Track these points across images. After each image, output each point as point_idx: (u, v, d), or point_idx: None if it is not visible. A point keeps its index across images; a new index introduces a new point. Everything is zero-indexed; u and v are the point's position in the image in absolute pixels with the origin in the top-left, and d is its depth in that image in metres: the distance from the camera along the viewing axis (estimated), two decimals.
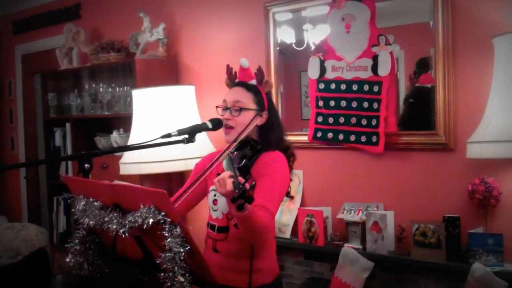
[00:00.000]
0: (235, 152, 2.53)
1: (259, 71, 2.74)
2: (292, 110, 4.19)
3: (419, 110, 3.54)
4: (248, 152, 2.52)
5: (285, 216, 3.93)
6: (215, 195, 2.69)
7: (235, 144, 2.52)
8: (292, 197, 3.82)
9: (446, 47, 3.27)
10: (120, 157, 4.27)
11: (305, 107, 4.08)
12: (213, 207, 2.71)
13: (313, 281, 3.71)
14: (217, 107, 2.74)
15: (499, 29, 3.01)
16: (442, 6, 3.26)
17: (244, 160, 2.42)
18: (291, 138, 3.01)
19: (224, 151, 2.49)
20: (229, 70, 2.82)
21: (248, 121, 2.63)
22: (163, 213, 1.97)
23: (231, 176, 2.16)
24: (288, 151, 2.72)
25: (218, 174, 2.48)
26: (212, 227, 2.71)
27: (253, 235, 2.40)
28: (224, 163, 2.34)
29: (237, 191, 2.09)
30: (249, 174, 2.42)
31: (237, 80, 2.79)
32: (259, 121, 2.67)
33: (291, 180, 2.73)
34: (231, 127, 2.65)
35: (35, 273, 4.10)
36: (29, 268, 4.08)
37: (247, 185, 2.12)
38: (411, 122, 3.54)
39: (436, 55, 3.30)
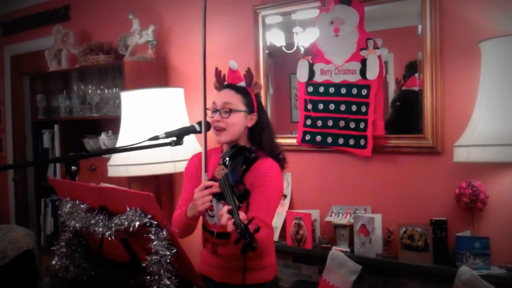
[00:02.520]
0: (228, 161, 2.51)
1: (248, 73, 2.74)
2: (282, 112, 4.20)
3: (406, 114, 3.56)
4: (240, 166, 2.50)
5: (274, 219, 3.91)
6: (210, 201, 2.67)
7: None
8: (284, 196, 3.81)
9: (434, 51, 3.28)
10: (108, 159, 4.26)
11: (295, 110, 4.08)
12: (209, 212, 2.69)
13: (301, 284, 3.71)
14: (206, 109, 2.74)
15: (486, 33, 3.03)
16: (430, 11, 3.28)
17: (244, 189, 2.39)
18: (280, 140, 3.00)
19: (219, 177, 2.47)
20: (217, 73, 2.81)
21: (238, 122, 2.64)
22: (149, 216, 1.96)
23: (229, 211, 2.14)
24: (280, 156, 2.72)
25: (213, 178, 2.48)
26: (210, 232, 2.71)
27: (255, 252, 2.40)
28: (220, 183, 2.33)
29: (238, 230, 2.07)
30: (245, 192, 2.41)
31: (226, 83, 2.78)
32: (249, 122, 2.68)
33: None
34: (222, 129, 2.64)
35: (22, 275, 4.07)
36: (16, 270, 4.05)
37: (252, 227, 2.09)
38: (399, 126, 3.55)
39: (424, 59, 3.32)
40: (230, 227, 2.11)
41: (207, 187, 2.40)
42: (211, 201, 2.62)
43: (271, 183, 2.56)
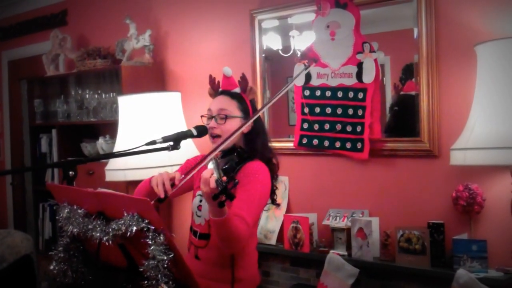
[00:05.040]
0: (221, 159, 2.53)
1: (243, 79, 2.74)
2: (279, 116, 4.21)
3: (404, 117, 3.56)
4: (234, 157, 2.53)
5: (271, 223, 3.93)
6: (200, 201, 2.70)
7: (218, 148, 2.51)
8: (278, 205, 3.82)
9: (430, 54, 3.29)
10: (106, 163, 4.26)
11: (292, 113, 4.08)
12: (197, 212, 2.71)
13: (299, 287, 3.72)
14: (202, 116, 2.75)
15: (481, 37, 3.04)
16: (426, 14, 3.28)
17: (229, 163, 2.42)
18: (277, 144, 3.02)
19: (208, 154, 2.47)
20: (211, 80, 2.82)
21: (233, 128, 2.63)
22: (146, 221, 1.97)
23: (214, 175, 2.15)
24: (271, 161, 2.72)
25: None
26: (194, 233, 2.72)
27: (227, 242, 2.38)
28: (210, 165, 2.35)
29: (219, 188, 2.08)
30: (234, 177, 2.42)
31: (220, 89, 2.79)
32: (245, 128, 2.68)
33: (276, 188, 2.74)
34: (218, 136, 2.65)
35: (20, 280, 4.07)
36: (14, 275, 4.05)
37: (230, 183, 2.10)
38: (396, 129, 3.56)
39: (420, 62, 3.32)
40: (212, 183, 2.11)
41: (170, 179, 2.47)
42: (200, 201, 2.65)
43: (255, 183, 2.54)
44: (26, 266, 4.15)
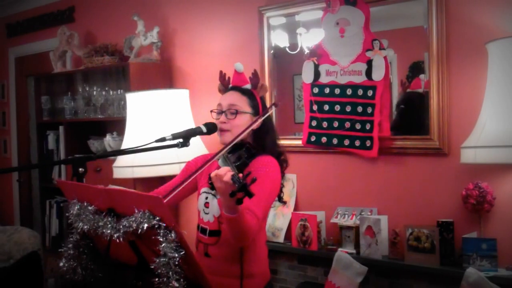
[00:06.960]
0: (230, 154, 2.52)
1: (255, 76, 2.73)
2: (285, 113, 4.19)
3: (411, 116, 3.55)
4: (243, 153, 2.52)
5: (279, 220, 3.92)
6: (206, 198, 2.68)
7: (230, 146, 2.51)
8: (284, 202, 3.80)
9: (440, 52, 3.28)
10: (113, 160, 4.26)
11: (298, 111, 4.08)
12: (204, 209, 2.69)
13: (306, 285, 3.71)
14: (211, 111, 2.73)
15: (493, 34, 3.02)
16: (436, 11, 3.27)
17: (241, 159, 2.41)
18: (284, 142, 3.00)
19: (219, 152, 2.46)
20: (222, 76, 2.81)
21: (243, 124, 2.63)
22: (157, 218, 1.96)
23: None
24: (281, 157, 2.71)
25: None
26: (203, 230, 2.69)
27: (238, 237, 2.37)
28: (220, 162, 2.33)
29: (236, 185, 2.06)
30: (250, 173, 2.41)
31: (231, 85, 2.78)
32: (254, 125, 2.67)
33: (283, 185, 2.73)
34: (227, 130, 2.64)
35: (27, 277, 4.08)
36: (21, 271, 4.06)
37: (248, 179, 2.09)
38: (404, 127, 3.54)
39: (430, 59, 3.31)
40: (227, 178, 2.10)
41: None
42: (206, 198, 2.64)
43: (266, 176, 2.52)
44: (33, 262, 4.15)
